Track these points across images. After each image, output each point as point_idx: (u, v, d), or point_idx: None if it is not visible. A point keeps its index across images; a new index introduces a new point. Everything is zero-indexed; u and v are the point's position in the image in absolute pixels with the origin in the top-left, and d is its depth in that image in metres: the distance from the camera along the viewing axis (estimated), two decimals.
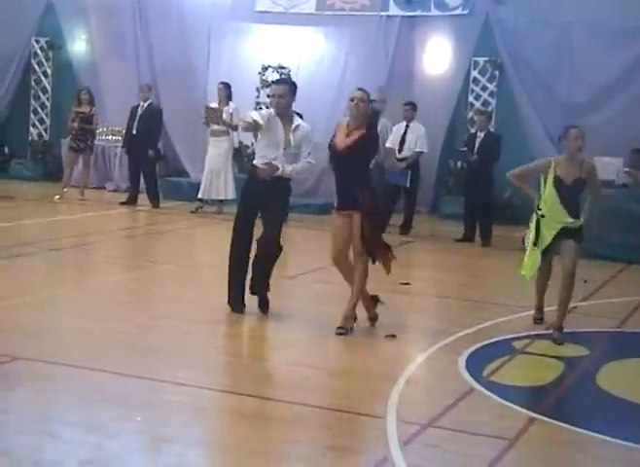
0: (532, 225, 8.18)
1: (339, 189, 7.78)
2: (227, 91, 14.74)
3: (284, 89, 7.98)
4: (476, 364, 6.97)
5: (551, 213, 8.02)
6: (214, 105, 14.71)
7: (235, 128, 14.83)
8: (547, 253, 8.15)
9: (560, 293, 8.05)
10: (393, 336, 7.54)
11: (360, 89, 7.81)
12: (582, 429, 5.71)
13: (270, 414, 5.78)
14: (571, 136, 8.04)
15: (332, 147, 7.75)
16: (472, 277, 11.21)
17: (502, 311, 8.89)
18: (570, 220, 8.00)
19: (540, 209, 8.06)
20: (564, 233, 8.03)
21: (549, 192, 8.01)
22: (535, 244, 8.12)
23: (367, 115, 7.72)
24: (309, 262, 10.92)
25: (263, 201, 7.98)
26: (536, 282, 8.45)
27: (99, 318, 7.74)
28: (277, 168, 7.91)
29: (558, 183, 7.98)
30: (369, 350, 7.40)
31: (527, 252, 8.25)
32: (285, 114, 7.98)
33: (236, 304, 8.09)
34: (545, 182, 8.03)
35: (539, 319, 8.53)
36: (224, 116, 14.46)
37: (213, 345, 7.26)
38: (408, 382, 6.45)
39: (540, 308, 8.57)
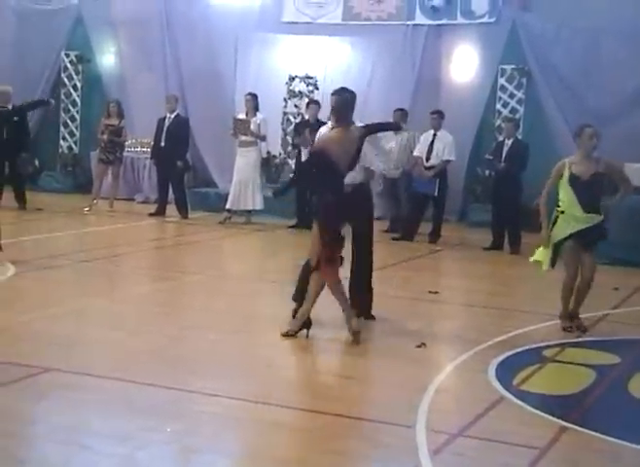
0: (551, 222, 8.40)
1: None
2: (254, 102, 14.79)
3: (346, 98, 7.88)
4: (505, 372, 6.93)
5: (570, 209, 8.24)
6: (242, 116, 14.80)
7: (263, 139, 14.90)
8: (558, 248, 8.33)
9: (575, 295, 8.41)
10: (423, 345, 7.51)
11: (332, 94, 7.99)
12: (614, 438, 5.65)
13: (300, 424, 5.78)
14: (586, 135, 8.31)
15: None
16: (501, 285, 11.16)
17: (531, 319, 8.85)
18: (589, 215, 8.19)
19: (559, 206, 8.28)
20: (583, 236, 8.19)
21: (564, 190, 8.23)
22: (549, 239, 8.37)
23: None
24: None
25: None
26: (563, 287, 8.51)
27: (129, 329, 7.78)
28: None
29: (574, 180, 8.21)
30: (398, 359, 7.38)
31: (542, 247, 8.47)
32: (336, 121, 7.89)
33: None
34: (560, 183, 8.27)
35: (569, 327, 8.49)
36: (251, 127, 14.55)
37: (242, 355, 7.27)
38: (437, 391, 6.43)
39: (568, 316, 8.54)
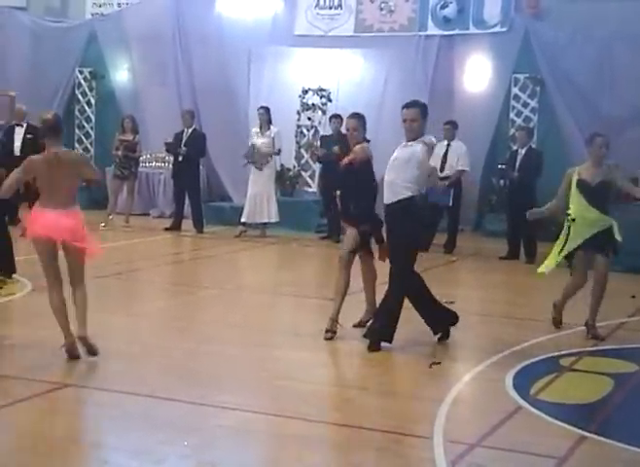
0: (563, 232, 8.51)
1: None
2: (267, 116, 14.85)
3: (418, 112, 7.87)
4: (522, 382, 6.91)
5: (583, 214, 8.37)
6: (255, 130, 14.82)
7: (278, 153, 14.94)
8: (572, 257, 8.48)
9: (591, 301, 8.50)
10: (438, 363, 7.34)
11: (350, 117, 8.61)
12: (634, 447, 5.62)
13: (317, 437, 5.77)
14: (596, 144, 8.55)
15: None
16: (517, 295, 11.13)
17: (548, 329, 8.82)
18: (602, 217, 8.36)
19: (569, 215, 8.43)
20: (595, 242, 8.30)
21: (574, 195, 8.42)
22: (561, 250, 8.47)
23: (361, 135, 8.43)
24: (354, 282, 10.89)
25: None
26: (567, 286, 8.73)
27: (146, 344, 7.80)
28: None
29: (583, 185, 8.41)
30: (414, 370, 7.37)
31: (551, 255, 8.58)
32: (414, 137, 7.85)
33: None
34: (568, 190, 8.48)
35: (557, 320, 8.79)
36: (264, 141, 14.58)
37: (259, 369, 7.28)
38: (454, 402, 6.42)
39: (559, 310, 8.82)
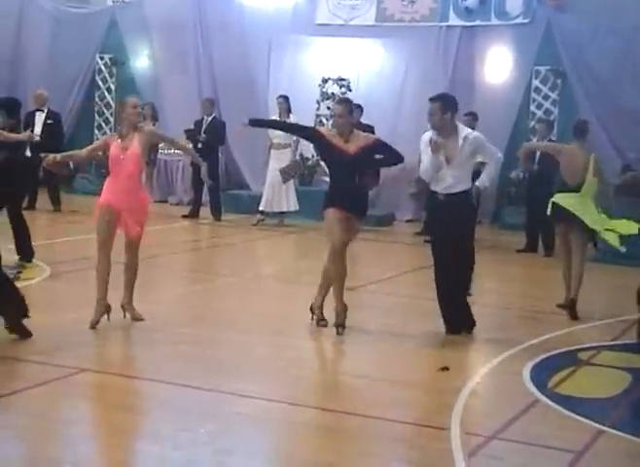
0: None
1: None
2: (286, 104, 14.82)
3: (437, 107, 7.95)
4: (540, 375, 6.90)
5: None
6: (275, 118, 14.84)
7: (297, 142, 14.92)
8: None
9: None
10: (446, 368, 7.06)
11: (338, 103, 8.35)
12: None
13: (334, 426, 5.78)
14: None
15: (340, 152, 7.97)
16: (535, 288, 11.10)
17: (566, 322, 8.80)
18: None
19: None
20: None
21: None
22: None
23: (351, 124, 8.14)
24: (369, 273, 10.91)
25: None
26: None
27: (164, 331, 7.82)
28: None
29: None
30: (432, 362, 7.36)
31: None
32: (443, 129, 7.95)
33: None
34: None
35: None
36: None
37: (277, 358, 7.28)
38: (472, 394, 6.41)
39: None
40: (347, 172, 7.93)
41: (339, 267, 7.98)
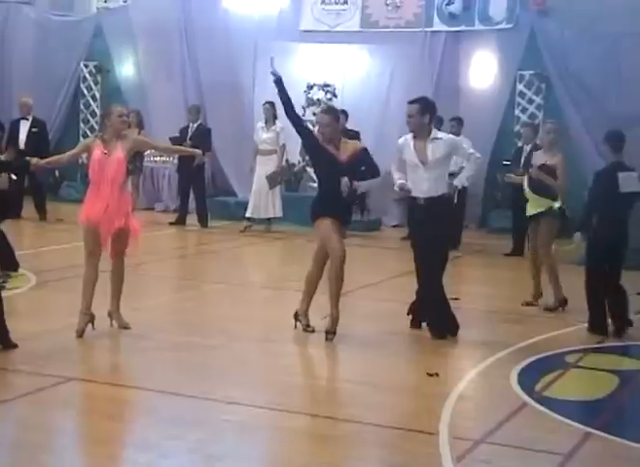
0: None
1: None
2: (272, 110, 14.82)
3: (415, 109, 8.05)
4: (528, 379, 6.92)
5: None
6: (260, 125, 14.85)
7: (283, 148, 14.94)
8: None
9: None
10: (436, 374, 7.03)
11: (324, 112, 8.32)
12: (639, 444, 5.62)
13: (323, 432, 5.78)
14: (544, 130, 9.79)
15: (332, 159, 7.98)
16: (522, 291, 11.08)
17: (553, 325, 8.83)
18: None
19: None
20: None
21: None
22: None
23: (339, 132, 8.25)
24: (357, 279, 10.91)
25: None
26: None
27: (152, 338, 7.80)
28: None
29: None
30: (420, 366, 7.37)
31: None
32: (421, 131, 8.06)
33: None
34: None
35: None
36: (269, 135, 14.62)
37: (266, 364, 7.28)
38: (460, 398, 6.42)
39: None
40: (339, 180, 7.91)
41: (343, 274, 7.98)
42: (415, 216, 8.23)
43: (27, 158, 8.76)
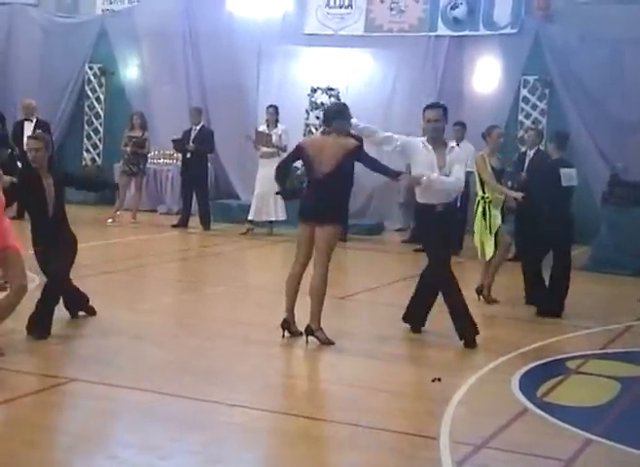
0: (479, 214, 9.98)
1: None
2: (275, 114, 14.86)
3: (441, 113, 8.03)
4: (529, 384, 6.91)
5: (494, 195, 9.99)
6: (262, 128, 14.87)
7: (285, 150, 14.93)
8: (498, 233, 9.97)
9: (491, 270, 10.17)
10: (438, 379, 6.99)
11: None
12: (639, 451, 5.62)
13: (324, 436, 5.78)
14: (494, 135, 10.34)
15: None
16: (522, 296, 11.10)
17: (554, 331, 8.82)
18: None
19: (484, 197, 9.98)
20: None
21: (492, 177, 10.01)
22: (490, 231, 9.91)
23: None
24: (359, 282, 10.93)
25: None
26: (496, 262, 10.08)
27: (153, 340, 7.82)
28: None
29: (492, 170, 10.09)
30: (421, 370, 7.37)
31: (485, 239, 9.96)
32: (440, 136, 8.05)
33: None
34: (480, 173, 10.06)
35: (490, 298, 10.18)
36: (273, 139, 14.61)
37: (266, 367, 7.28)
38: (460, 403, 6.42)
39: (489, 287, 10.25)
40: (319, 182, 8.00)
41: (321, 285, 8.05)
42: (434, 222, 8.08)
43: None
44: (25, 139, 15.18)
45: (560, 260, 9.54)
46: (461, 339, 8.00)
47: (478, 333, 8.06)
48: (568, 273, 9.54)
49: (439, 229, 8.02)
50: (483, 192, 10.05)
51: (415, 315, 8.40)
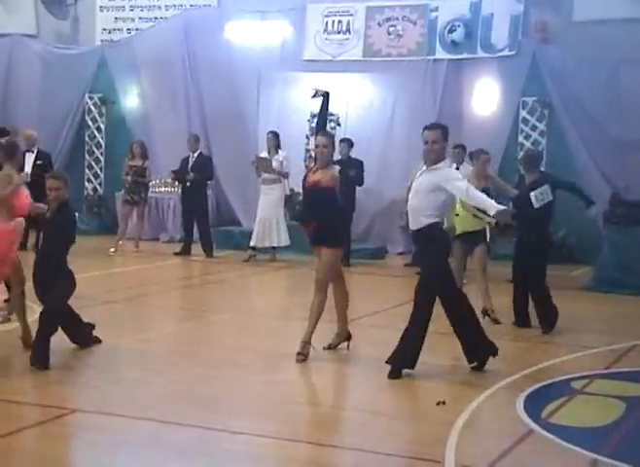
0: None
1: None
2: (275, 140, 14.90)
3: (440, 134, 7.70)
4: (534, 405, 6.88)
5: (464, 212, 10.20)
6: (264, 155, 14.91)
7: (286, 176, 14.97)
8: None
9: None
10: (443, 402, 6.93)
11: (322, 135, 8.40)
12: None
13: (329, 461, 5.76)
14: (481, 161, 10.53)
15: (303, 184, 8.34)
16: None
17: (558, 351, 8.80)
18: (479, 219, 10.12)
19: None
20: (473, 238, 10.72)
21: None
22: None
23: (330, 157, 8.40)
24: (364, 307, 10.90)
25: None
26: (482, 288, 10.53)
27: (157, 369, 7.80)
28: None
29: None
30: (426, 394, 7.35)
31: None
32: (440, 158, 7.68)
33: None
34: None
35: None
36: (273, 165, 14.65)
37: (270, 394, 7.26)
38: (466, 425, 6.39)
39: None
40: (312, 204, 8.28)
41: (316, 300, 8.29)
42: (448, 246, 8.06)
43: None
44: (27, 170, 15.32)
45: (534, 280, 9.91)
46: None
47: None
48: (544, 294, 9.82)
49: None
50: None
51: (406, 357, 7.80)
